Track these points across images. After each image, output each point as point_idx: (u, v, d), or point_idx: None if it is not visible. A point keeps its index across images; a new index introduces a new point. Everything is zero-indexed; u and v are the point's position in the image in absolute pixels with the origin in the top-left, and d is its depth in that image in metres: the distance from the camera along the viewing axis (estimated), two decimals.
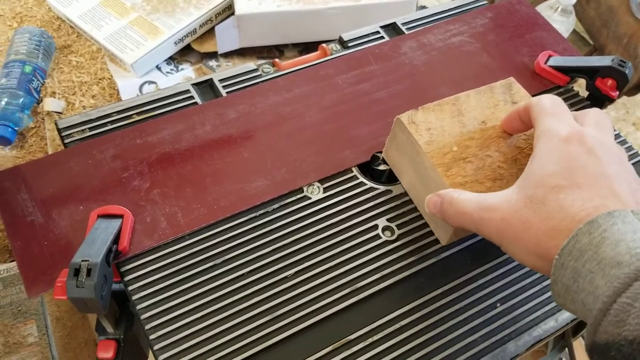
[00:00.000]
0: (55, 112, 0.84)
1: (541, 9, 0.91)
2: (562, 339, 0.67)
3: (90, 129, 0.52)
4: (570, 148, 0.38)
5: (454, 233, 0.47)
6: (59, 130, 0.52)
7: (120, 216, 0.46)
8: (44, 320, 0.65)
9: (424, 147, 0.46)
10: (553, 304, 0.48)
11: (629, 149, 0.57)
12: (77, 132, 0.52)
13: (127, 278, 0.45)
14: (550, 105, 0.42)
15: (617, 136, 0.58)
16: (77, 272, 0.40)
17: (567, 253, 0.34)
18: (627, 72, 0.56)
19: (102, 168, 0.50)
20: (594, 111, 0.43)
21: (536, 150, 0.40)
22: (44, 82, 0.87)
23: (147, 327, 0.43)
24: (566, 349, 0.65)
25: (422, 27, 0.64)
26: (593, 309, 0.31)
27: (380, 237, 0.49)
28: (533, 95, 0.53)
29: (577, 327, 0.66)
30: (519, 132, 0.47)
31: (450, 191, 0.43)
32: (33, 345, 0.64)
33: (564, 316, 0.47)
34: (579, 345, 0.70)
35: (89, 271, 0.40)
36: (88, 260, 0.40)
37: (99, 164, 0.50)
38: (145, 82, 0.88)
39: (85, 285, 0.39)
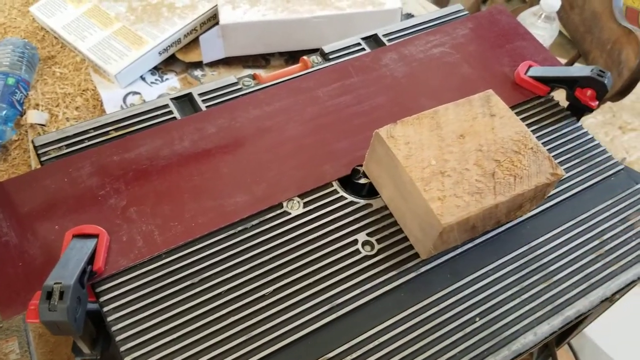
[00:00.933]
0: (39, 124, 0.84)
1: (525, 15, 0.91)
2: (546, 349, 0.67)
3: (67, 146, 0.52)
4: None
5: (433, 247, 0.47)
6: (36, 148, 0.51)
7: (96, 236, 0.46)
8: (25, 337, 0.65)
9: (402, 161, 0.46)
10: (532, 318, 0.47)
11: (608, 158, 0.57)
12: (53, 149, 0.52)
13: (102, 299, 0.44)
14: None
15: (597, 146, 0.58)
16: (49, 295, 0.39)
17: None
18: (606, 82, 0.56)
19: (78, 186, 0.49)
20: None
21: None
22: (28, 94, 0.87)
23: (123, 349, 0.42)
24: (550, 358, 0.65)
25: (403, 39, 0.64)
26: None
27: (360, 252, 0.49)
28: (515, 106, 0.53)
29: (561, 337, 0.66)
30: None
31: None
32: None
33: (543, 329, 0.47)
34: (563, 352, 0.70)
35: (61, 294, 0.39)
36: (61, 283, 0.40)
37: (75, 182, 0.49)
38: (129, 93, 0.88)
39: (57, 308, 0.39)
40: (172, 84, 0.90)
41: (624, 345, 0.82)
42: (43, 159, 0.51)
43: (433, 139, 0.48)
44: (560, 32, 1.07)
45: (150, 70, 0.90)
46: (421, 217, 0.46)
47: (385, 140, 0.47)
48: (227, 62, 0.93)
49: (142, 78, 0.90)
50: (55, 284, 0.40)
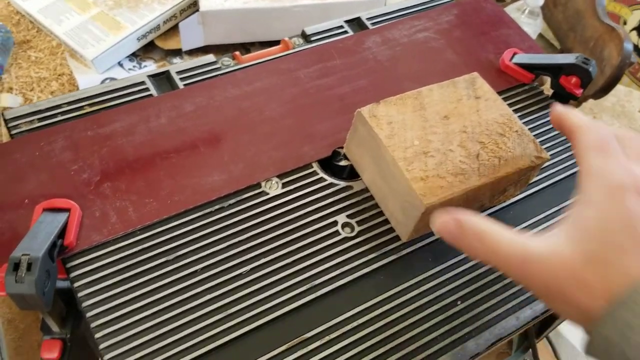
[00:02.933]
0: (12, 108, 0.81)
1: (509, 11, 0.91)
2: (526, 340, 0.66)
3: (39, 119, 0.50)
4: (630, 199, 0.33)
5: (414, 230, 0.46)
6: (5, 122, 0.49)
7: (67, 210, 0.44)
8: None
9: (384, 140, 0.45)
10: (514, 302, 0.47)
11: None
12: (24, 122, 0.50)
13: (73, 274, 0.42)
14: (599, 139, 0.37)
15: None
16: (16, 266, 0.38)
17: (619, 303, 0.30)
18: (590, 69, 0.56)
19: (50, 160, 0.47)
20: (633, 139, 0.37)
21: (586, 194, 0.35)
22: (1, 77, 0.84)
23: (94, 325, 0.41)
24: (530, 349, 0.65)
25: (387, 23, 0.63)
26: None
27: (339, 234, 0.48)
28: (499, 93, 0.52)
29: (541, 328, 0.66)
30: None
31: (475, 220, 0.36)
32: None
33: (526, 314, 0.47)
34: (542, 347, 0.69)
35: (29, 265, 0.38)
36: (29, 255, 0.38)
37: (47, 156, 0.47)
38: (106, 79, 0.86)
39: (25, 280, 0.37)
40: (149, 70, 0.88)
41: None
42: (13, 132, 0.49)
43: (416, 120, 0.47)
44: (540, 35, 1.07)
45: (128, 56, 0.89)
46: (403, 198, 0.45)
47: (367, 119, 0.46)
48: (206, 50, 0.92)
49: (120, 64, 0.88)
50: (23, 255, 0.38)
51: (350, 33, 0.62)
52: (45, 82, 0.84)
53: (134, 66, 0.88)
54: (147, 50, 0.91)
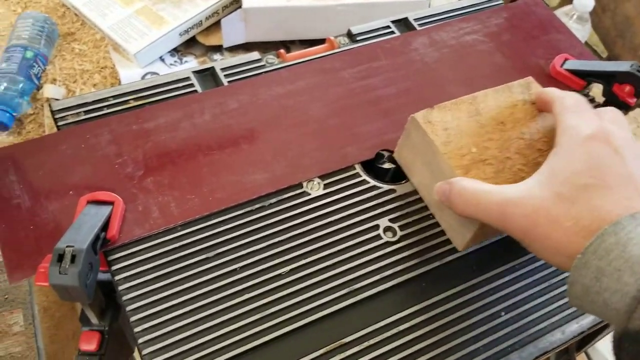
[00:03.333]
0: (55, 99, 0.82)
1: (557, 15, 0.88)
2: (566, 353, 0.65)
3: (86, 112, 0.50)
4: (597, 146, 0.38)
5: (471, 239, 0.45)
6: (53, 113, 0.50)
7: (111, 203, 0.44)
8: (31, 310, 0.63)
9: (440, 148, 0.44)
10: (560, 316, 0.45)
11: None
12: (71, 115, 0.50)
13: (114, 267, 0.43)
14: (574, 102, 0.42)
15: None
16: (60, 257, 0.38)
17: (591, 252, 0.33)
18: None
19: (95, 153, 0.48)
20: (612, 110, 0.42)
21: (560, 146, 0.39)
22: (45, 68, 0.86)
23: (133, 319, 0.41)
24: None
25: (434, 24, 0.62)
26: (621, 303, 0.32)
27: (381, 238, 0.47)
28: None
29: (582, 342, 0.64)
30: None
31: (459, 180, 0.41)
32: (18, 334, 0.62)
33: (572, 328, 0.45)
34: None
35: (73, 257, 0.38)
36: (73, 246, 0.38)
37: (92, 149, 0.48)
38: (147, 73, 0.86)
39: (68, 272, 0.37)
40: (191, 66, 0.88)
41: None
42: (60, 123, 0.49)
43: (472, 126, 0.45)
44: (585, 42, 1.05)
45: (169, 51, 0.89)
46: None
47: (422, 125, 0.45)
48: (247, 47, 0.92)
49: (162, 59, 0.89)
50: (67, 247, 0.38)
51: (397, 34, 0.61)
52: (88, 74, 0.85)
53: (175, 61, 0.88)
54: (188, 45, 0.91)
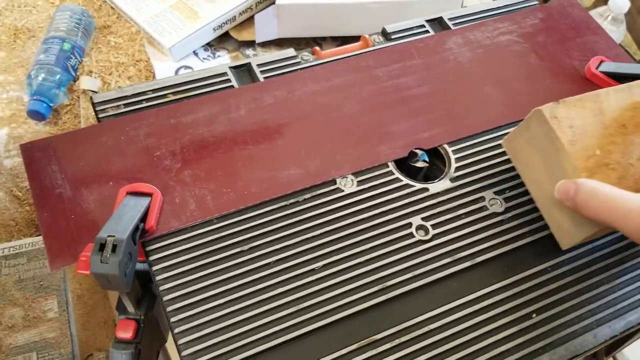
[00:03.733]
0: (91, 90, 0.84)
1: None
2: (594, 358, 0.64)
3: (125, 105, 0.51)
4: None
5: (583, 240, 0.44)
6: (94, 105, 0.51)
7: (150, 195, 0.45)
8: (65, 297, 0.65)
9: (567, 146, 0.42)
10: (592, 319, 0.45)
11: None
12: (111, 107, 0.51)
13: (152, 258, 0.44)
14: None
15: None
16: (102, 247, 0.39)
17: None
18: None
19: (134, 145, 0.49)
20: None
21: None
22: (82, 60, 0.87)
23: (169, 309, 0.42)
24: None
25: (469, 24, 0.62)
26: None
27: (413, 236, 0.47)
28: None
29: (610, 347, 0.63)
30: None
31: (588, 181, 0.40)
32: (52, 320, 0.63)
33: (604, 332, 0.45)
34: None
35: (114, 247, 0.39)
36: (114, 236, 0.39)
37: (131, 141, 0.49)
38: (181, 67, 0.87)
39: (109, 261, 0.38)
40: (224, 61, 0.90)
41: None
42: (101, 115, 0.50)
43: (597, 126, 0.44)
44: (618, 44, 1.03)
45: (203, 46, 0.90)
46: None
47: (548, 120, 0.43)
48: (279, 43, 0.93)
49: (195, 53, 0.90)
50: (108, 236, 0.39)
51: (432, 33, 0.61)
52: (123, 67, 0.87)
53: (208, 55, 0.90)
54: (221, 40, 0.92)
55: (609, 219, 0.39)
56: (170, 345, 0.55)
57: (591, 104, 0.44)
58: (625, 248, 0.49)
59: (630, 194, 0.38)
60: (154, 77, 0.86)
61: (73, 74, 0.85)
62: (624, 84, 0.46)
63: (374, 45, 0.59)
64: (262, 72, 0.56)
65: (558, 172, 0.44)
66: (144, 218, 0.44)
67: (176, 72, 0.87)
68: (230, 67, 0.55)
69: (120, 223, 0.41)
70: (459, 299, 0.45)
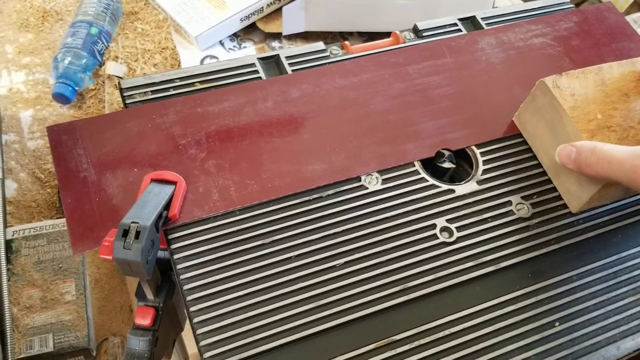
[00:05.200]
0: (117, 76, 0.84)
1: None
2: None
3: (153, 92, 0.51)
4: None
5: (588, 202, 0.47)
6: (121, 90, 0.51)
7: (174, 183, 0.45)
8: (83, 280, 0.65)
9: (568, 111, 0.46)
10: (616, 331, 0.44)
11: None
12: (139, 93, 0.51)
13: (173, 246, 0.43)
14: None
15: None
16: (125, 233, 0.39)
17: None
18: None
19: (160, 133, 0.48)
20: None
21: None
22: (108, 45, 0.87)
23: (189, 298, 0.41)
24: None
25: (502, 24, 0.61)
26: None
27: (437, 238, 0.46)
28: None
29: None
30: None
31: (588, 142, 0.43)
32: (70, 303, 0.64)
33: (627, 345, 0.44)
34: None
35: (137, 234, 0.39)
36: (138, 223, 0.39)
37: (158, 128, 0.49)
38: (207, 56, 0.87)
39: (132, 247, 0.38)
40: (250, 52, 0.89)
41: None
42: (128, 101, 0.50)
43: (598, 94, 0.47)
44: None
45: (229, 36, 0.90)
46: None
47: (550, 89, 0.47)
48: (305, 36, 0.92)
49: (221, 43, 0.90)
50: (132, 223, 0.39)
51: (464, 32, 0.60)
52: (149, 54, 0.87)
53: (234, 46, 0.89)
54: (247, 31, 0.92)
55: (608, 172, 0.41)
56: (185, 334, 0.55)
57: (593, 76, 0.48)
58: None
59: (625, 147, 0.41)
60: (179, 65, 0.85)
61: (99, 58, 0.85)
62: (628, 59, 0.50)
63: (404, 42, 0.59)
64: (290, 64, 0.55)
65: (562, 136, 0.47)
66: (167, 206, 0.43)
67: (202, 61, 0.86)
68: (259, 58, 0.55)
69: (145, 210, 0.40)
70: (481, 303, 0.44)
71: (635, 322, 0.45)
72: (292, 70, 0.55)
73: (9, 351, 0.59)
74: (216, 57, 0.87)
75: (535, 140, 0.51)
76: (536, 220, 0.48)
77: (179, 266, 0.43)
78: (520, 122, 0.53)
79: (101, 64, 0.86)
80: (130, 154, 0.47)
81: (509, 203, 0.49)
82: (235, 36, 0.91)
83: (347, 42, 0.58)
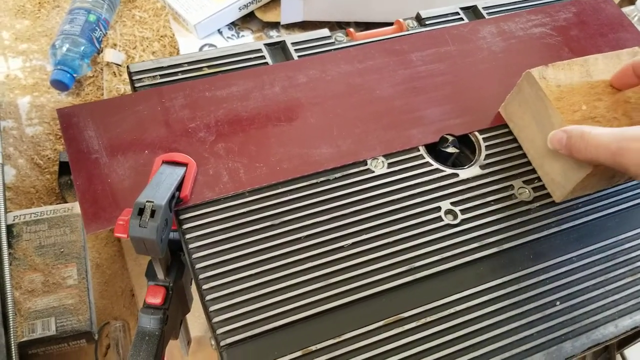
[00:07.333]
0: (115, 63, 0.84)
1: None
2: (605, 352, 0.65)
3: (161, 76, 0.52)
4: None
5: (571, 192, 0.48)
6: (130, 74, 0.51)
7: (185, 165, 0.45)
8: (84, 265, 0.65)
9: (553, 102, 0.47)
10: (614, 309, 0.46)
11: None
12: (148, 77, 0.51)
13: (185, 226, 0.44)
14: None
15: None
16: (141, 211, 0.39)
17: None
18: None
19: (170, 115, 0.49)
20: None
21: None
22: (107, 33, 0.87)
23: (201, 277, 0.42)
24: None
25: (503, 14, 0.62)
26: None
27: (442, 220, 0.48)
28: None
29: (622, 341, 0.64)
30: (631, 87, 0.47)
31: (578, 126, 0.44)
32: (72, 287, 0.64)
33: (625, 323, 0.46)
34: None
35: (152, 212, 0.39)
36: (153, 202, 0.40)
37: (167, 111, 0.49)
38: (205, 45, 0.88)
39: (148, 225, 0.39)
40: (248, 41, 0.90)
41: None
42: (137, 85, 0.51)
43: (584, 86, 0.48)
44: None
45: (228, 24, 0.90)
46: (566, 160, 0.47)
47: (537, 80, 0.48)
48: (303, 26, 0.93)
49: (219, 32, 0.90)
50: (147, 202, 0.39)
51: (465, 20, 0.61)
52: (147, 41, 0.87)
53: (232, 34, 0.90)
54: (245, 20, 0.92)
55: (596, 156, 0.42)
56: (188, 317, 0.56)
57: (578, 67, 0.49)
58: None
59: (611, 130, 0.42)
60: (178, 53, 0.86)
61: (97, 46, 0.85)
62: (613, 52, 0.51)
63: (407, 30, 0.59)
64: (296, 50, 0.56)
65: (547, 127, 0.48)
66: (179, 187, 0.44)
67: (200, 49, 0.87)
68: (265, 44, 0.56)
69: (158, 190, 0.41)
70: (485, 283, 0.45)
71: (633, 302, 0.46)
72: (299, 56, 0.55)
73: (12, 334, 0.60)
74: (214, 46, 0.88)
75: (520, 131, 0.52)
76: (537, 204, 0.49)
77: (191, 246, 0.43)
78: (506, 112, 0.53)
79: (99, 52, 0.86)
80: (141, 137, 0.48)
81: (511, 187, 0.50)
82: (233, 25, 0.91)
83: (351, 30, 0.59)
